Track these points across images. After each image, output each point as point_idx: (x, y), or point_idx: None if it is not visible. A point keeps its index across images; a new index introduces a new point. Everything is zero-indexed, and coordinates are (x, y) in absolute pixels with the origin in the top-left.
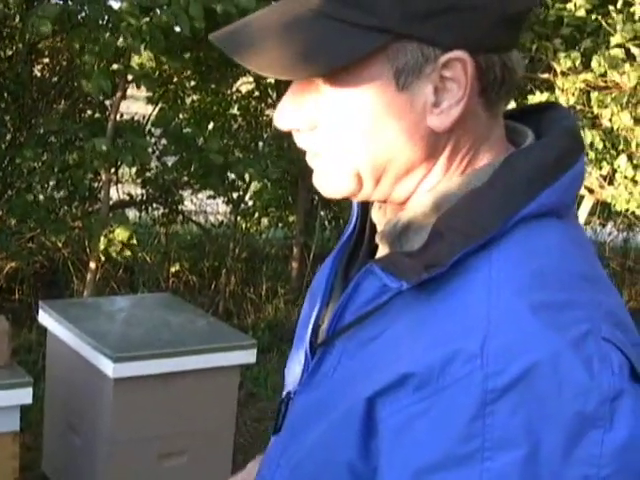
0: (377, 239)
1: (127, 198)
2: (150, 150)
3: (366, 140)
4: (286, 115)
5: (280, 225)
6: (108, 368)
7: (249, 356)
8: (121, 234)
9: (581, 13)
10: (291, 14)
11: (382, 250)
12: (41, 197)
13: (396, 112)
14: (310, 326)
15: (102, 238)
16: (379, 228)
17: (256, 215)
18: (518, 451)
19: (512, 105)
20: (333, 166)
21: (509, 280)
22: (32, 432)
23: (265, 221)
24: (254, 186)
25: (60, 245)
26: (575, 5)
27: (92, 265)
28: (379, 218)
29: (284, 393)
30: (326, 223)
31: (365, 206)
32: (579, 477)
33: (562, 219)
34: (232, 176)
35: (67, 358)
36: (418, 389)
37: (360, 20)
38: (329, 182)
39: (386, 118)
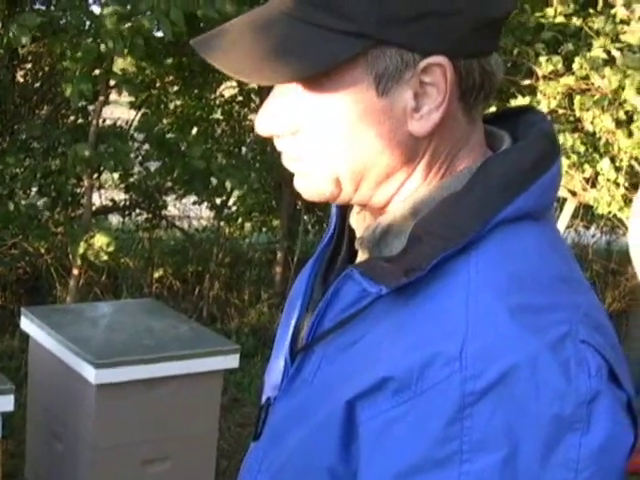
0: (356, 244)
1: (110, 204)
2: (133, 155)
3: (346, 145)
4: (267, 120)
5: (264, 230)
6: (90, 374)
7: (232, 361)
8: (101, 240)
9: (560, 19)
10: (270, 20)
11: (361, 255)
12: (23, 203)
13: (376, 117)
14: (289, 332)
15: (83, 244)
16: (358, 233)
17: (240, 220)
18: (497, 454)
19: (493, 109)
20: (313, 170)
21: (487, 283)
22: (15, 439)
23: (249, 226)
24: (237, 191)
25: (43, 251)
26: (555, 10)
27: (75, 271)
28: (358, 223)
29: (264, 399)
30: (309, 227)
31: (344, 212)
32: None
33: (539, 222)
34: (215, 181)
35: (49, 364)
36: (397, 393)
37: (339, 26)
38: (309, 185)
39: (366, 123)
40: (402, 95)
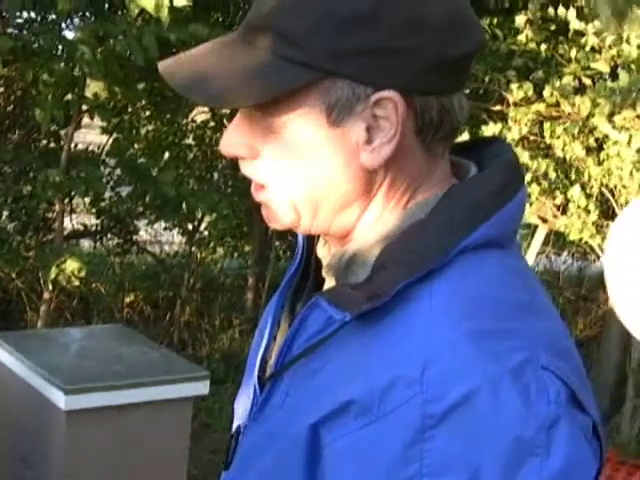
0: (323, 273)
1: (81, 228)
2: (104, 180)
3: (300, 172)
4: (230, 142)
5: (235, 255)
6: (60, 400)
7: (202, 388)
8: (72, 265)
9: (532, 46)
10: (230, 47)
11: (328, 283)
12: None
13: (329, 147)
14: (257, 360)
15: (54, 268)
16: (324, 262)
17: (211, 245)
18: (457, 478)
19: (465, 136)
20: (274, 197)
21: (447, 310)
22: None
23: (220, 250)
24: (209, 216)
25: (13, 275)
26: (527, 37)
27: (46, 295)
28: (324, 253)
29: (234, 427)
30: (281, 253)
31: (311, 240)
32: None
33: (503, 249)
34: (186, 206)
35: (19, 390)
36: (360, 415)
37: (292, 55)
38: (272, 213)
39: (319, 152)
40: (354, 127)
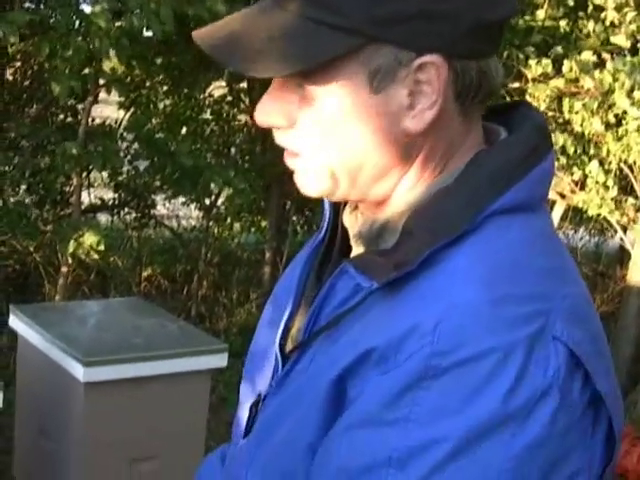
0: (352, 240)
1: (99, 202)
2: (122, 154)
3: (340, 140)
4: (266, 111)
5: (252, 230)
6: (79, 372)
7: (220, 360)
8: (90, 238)
9: (550, 23)
10: (267, 14)
11: (356, 251)
12: (12, 201)
13: (370, 114)
14: (280, 329)
15: (72, 242)
16: (352, 231)
17: (228, 220)
18: (438, 431)
19: None
20: (310, 165)
21: (471, 273)
22: (3, 436)
23: (237, 226)
24: (226, 191)
25: (31, 249)
26: (546, 13)
27: (64, 269)
28: (351, 221)
29: (246, 395)
30: (298, 228)
31: (337, 209)
32: (486, 467)
33: (533, 212)
34: (204, 181)
35: (38, 362)
36: (379, 364)
37: (334, 22)
38: (308, 181)
39: (360, 119)
40: (397, 93)
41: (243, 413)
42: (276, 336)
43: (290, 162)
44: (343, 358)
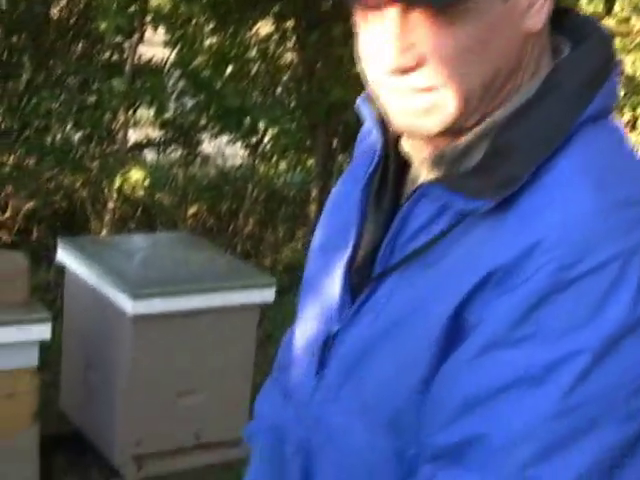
0: (418, 167)
1: (145, 140)
2: (168, 92)
3: (478, 58)
4: (393, 55)
5: (298, 169)
6: (127, 305)
7: (268, 295)
8: (136, 174)
9: None
10: None
11: (429, 176)
12: (59, 137)
13: (502, 26)
14: (345, 261)
15: (118, 178)
16: (418, 156)
17: (274, 159)
18: (568, 345)
19: None
20: (441, 95)
21: (581, 182)
22: (50, 370)
23: (283, 165)
24: (272, 130)
25: (78, 186)
26: None
27: (110, 205)
28: (416, 147)
29: (308, 332)
30: (344, 166)
31: (387, 139)
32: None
33: (612, 120)
34: (249, 120)
35: (85, 295)
36: (500, 285)
37: None
38: (440, 113)
39: (496, 32)
40: None
41: (302, 345)
42: (336, 267)
43: (420, 101)
44: (456, 286)
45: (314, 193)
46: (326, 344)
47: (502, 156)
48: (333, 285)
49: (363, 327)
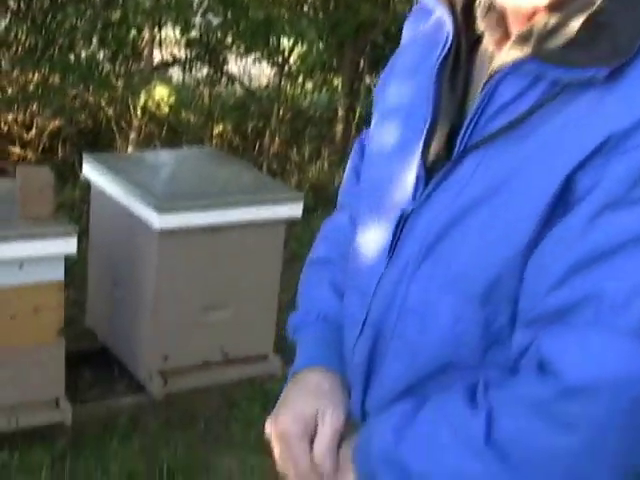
0: (506, 44)
1: (171, 59)
2: (194, 8)
3: None
4: None
5: (324, 89)
6: (153, 219)
7: (295, 210)
8: (161, 91)
9: None
10: None
11: (509, 54)
12: (84, 54)
13: None
14: (421, 142)
15: (143, 94)
16: (493, 37)
17: (301, 78)
18: None
19: None
20: None
21: None
22: (76, 287)
23: (309, 85)
24: (298, 49)
25: (103, 104)
26: None
27: (135, 123)
28: (493, 26)
29: (373, 223)
30: (372, 86)
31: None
32: None
33: None
34: (276, 38)
35: (111, 211)
36: (617, 148)
37: None
38: None
39: None
40: None
41: (368, 232)
42: (409, 154)
43: None
44: (565, 154)
45: (340, 113)
46: (399, 226)
47: (606, 29)
48: (406, 172)
49: (443, 204)
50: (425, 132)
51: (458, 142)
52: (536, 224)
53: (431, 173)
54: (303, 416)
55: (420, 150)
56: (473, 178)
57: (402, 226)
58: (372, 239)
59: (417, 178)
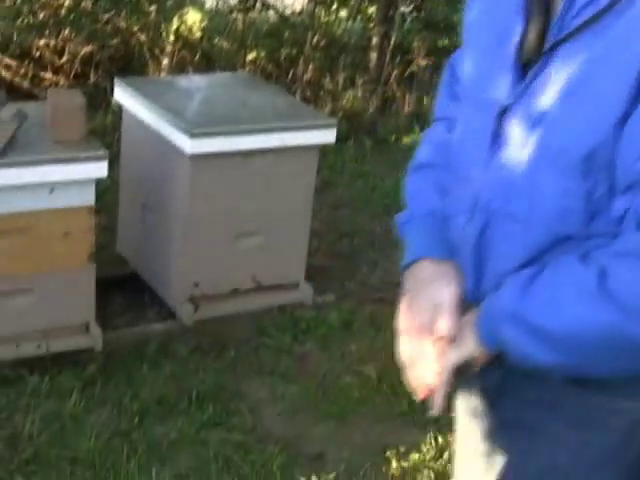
0: None
1: None
2: None
3: None
4: None
5: (359, 18)
6: (185, 144)
7: (329, 136)
8: (193, 16)
9: None
10: None
11: None
12: None
13: None
14: (515, 40)
15: (176, 19)
16: None
17: (334, 6)
18: None
19: None
20: None
21: None
22: (107, 213)
23: (343, 13)
24: None
25: (136, 29)
26: None
27: (168, 49)
28: None
29: (473, 119)
30: (406, 14)
31: None
32: None
33: None
34: None
35: (143, 136)
36: None
37: None
38: None
39: None
40: None
41: (469, 131)
42: (503, 56)
43: None
44: None
45: (374, 41)
46: (500, 117)
47: None
48: (503, 70)
49: (539, 93)
50: (519, 31)
51: (549, 38)
52: (626, 100)
53: (526, 69)
54: (426, 304)
55: (515, 49)
56: (565, 66)
57: (503, 117)
58: (476, 132)
59: (514, 74)
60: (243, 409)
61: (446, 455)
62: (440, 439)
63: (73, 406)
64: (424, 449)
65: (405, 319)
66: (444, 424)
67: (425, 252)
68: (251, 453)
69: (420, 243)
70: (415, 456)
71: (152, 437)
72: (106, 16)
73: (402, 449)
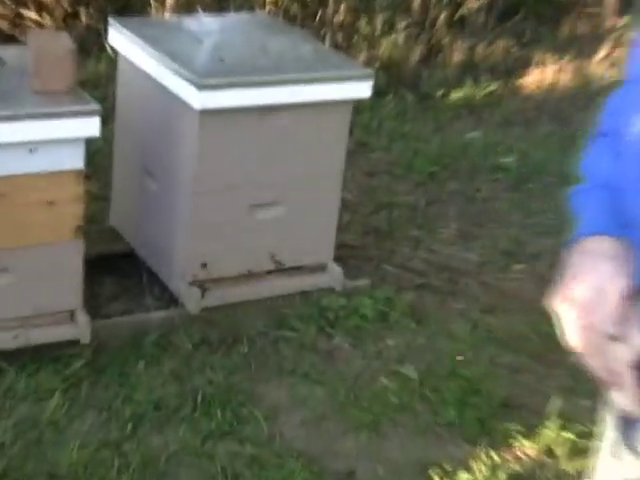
0: None
1: None
2: None
3: None
4: None
5: None
6: (193, 98)
7: (363, 90)
8: None
9: None
10: None
11: None
12: None
13: None
14: None
15: None
16: None
17: None
18: None
19: None
20: None
21: None
22: (99, 180)
23: None
24: None
25: None
26: None
27: None
28: None
29: None
30: None
31: None
32: None
33: None
34: None
35: (142, 87)
36: None
37: None
38: None
39: None
40: None
41: None
42: None
43: None
44: None
45: None
46: None
47: None
48: None
49: None
50: None
51: None
52: None
53: None
54: (595, 284)
55: None
56: None
57: None
58: None
59: None
60: (258, 416)
61: (502, 476)
62: (494, 456)
63: (54, 410)
64: (475, 468)
65: (568, 298)
66: (500, 438)
67: (598, 228)
68: (266, 469)
69: (593, 218)
70: (464, 476)
71: (148, 449)
72: None
73: (448, 467)
